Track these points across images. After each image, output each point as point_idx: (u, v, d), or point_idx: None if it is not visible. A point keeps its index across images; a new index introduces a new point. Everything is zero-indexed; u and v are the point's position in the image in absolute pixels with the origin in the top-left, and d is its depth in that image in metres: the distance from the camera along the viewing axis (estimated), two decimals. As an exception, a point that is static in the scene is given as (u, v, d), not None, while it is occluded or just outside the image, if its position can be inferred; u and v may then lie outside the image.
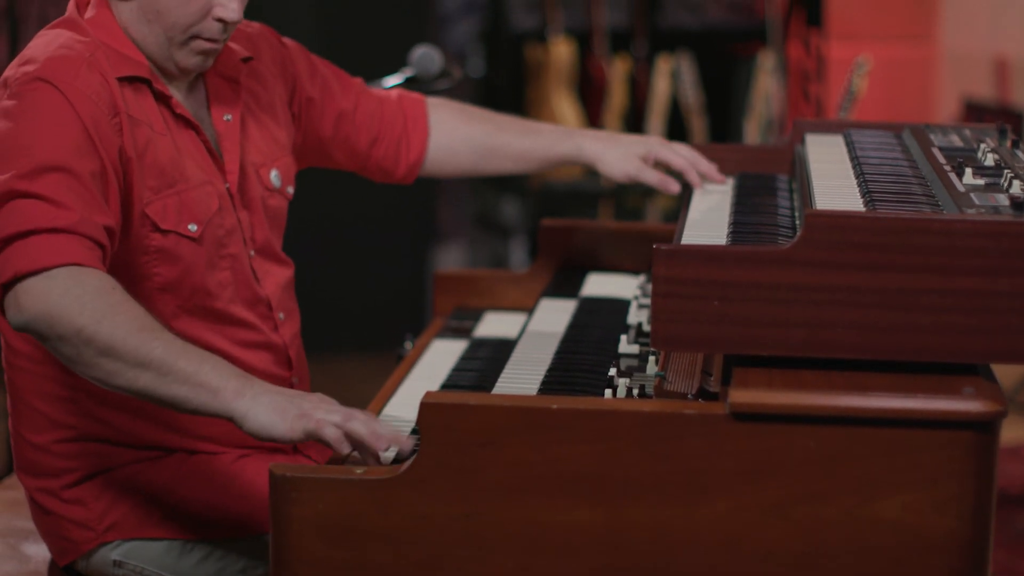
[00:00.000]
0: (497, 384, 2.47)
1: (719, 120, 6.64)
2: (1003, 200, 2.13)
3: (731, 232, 2.32)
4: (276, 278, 2.56)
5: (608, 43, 6.70)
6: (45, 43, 2.35)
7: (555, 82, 6.57)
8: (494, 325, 2.96)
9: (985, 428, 1.94)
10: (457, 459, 1.99)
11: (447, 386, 2.59)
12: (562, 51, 6.58)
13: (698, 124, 6.30)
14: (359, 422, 2.09)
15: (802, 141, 2.83)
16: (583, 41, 6.68)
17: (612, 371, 2.36)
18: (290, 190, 2.63)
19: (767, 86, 6.30)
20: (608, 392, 2.29)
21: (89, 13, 2.42)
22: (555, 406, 1.99)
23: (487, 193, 6.77)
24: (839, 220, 2.00)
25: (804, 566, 1.98)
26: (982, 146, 2.48)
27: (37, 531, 2.51)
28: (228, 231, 2.46)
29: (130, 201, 2.34)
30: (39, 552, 2.55)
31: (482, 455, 1.99)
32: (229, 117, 2.51)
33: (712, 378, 2.12)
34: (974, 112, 5.99)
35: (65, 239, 2.17)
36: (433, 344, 2.86)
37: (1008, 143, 2.54)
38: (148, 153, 2.36)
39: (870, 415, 1.95)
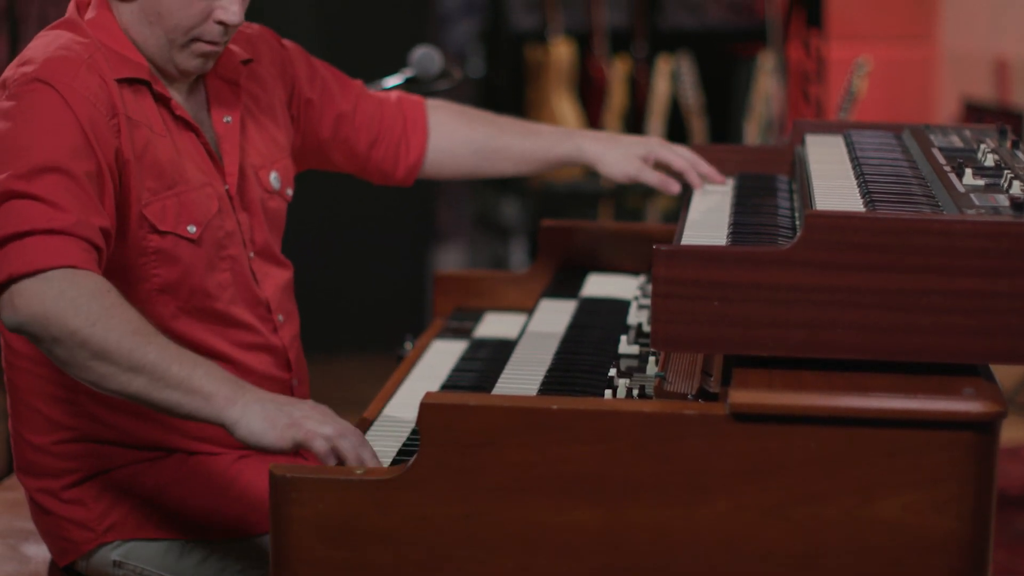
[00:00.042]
0: (497, 385, 2.47)
1: (719, 121, 6.65)
2: (1003, 201, 2.13)
3: (731, 233, 2.32)
4: (275, 280, 2.56)
5: (608, 44, 6.71)
6: (44, 44, 2.35)
7: (555, 83, 6.57)
8: (494, 326, 2.96)
9: (985, 429, 1.94)
10: (457, 460, 1.99)
11: (447, 387, 2.59)
12: (562, 51, 6.58)
13: (698, 125, 6.30)
14: (348, 443, 2.08)
15: (802, 142, 2.83)
16: (583, 42, 6.68)
17: (612, 372, 2.36)
18: (289, 192, 2.63)
19: (767, 87, 6.31)
20: (608, 393, 2.29)
21: (89, 14, 2.42)
22: (555, 407, 1.99)
23: (487, 194, 6.77)
24: (839, 221, 2.00)
25: (804, 567, 1.98)
26: (982, 147, 2.48)
27: (37, 532, 2.51)
28: (228, 233, 2.46)
29: (128, 202, 2.33)
30: (39, 552, 2.55)
31: (482, 456, 1.99)
32: (229, 119, 2.51)
33: (712, 379, 2.12)
34: (974, 113, 5.99)
35: (61, 241, 2.17)
36: (433, 345, 2.86)
37: (1008, 144, 2.54)
38: (147, 154, 2.36)
39: (870, 416, 1.95)
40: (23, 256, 2.15)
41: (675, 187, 2.83)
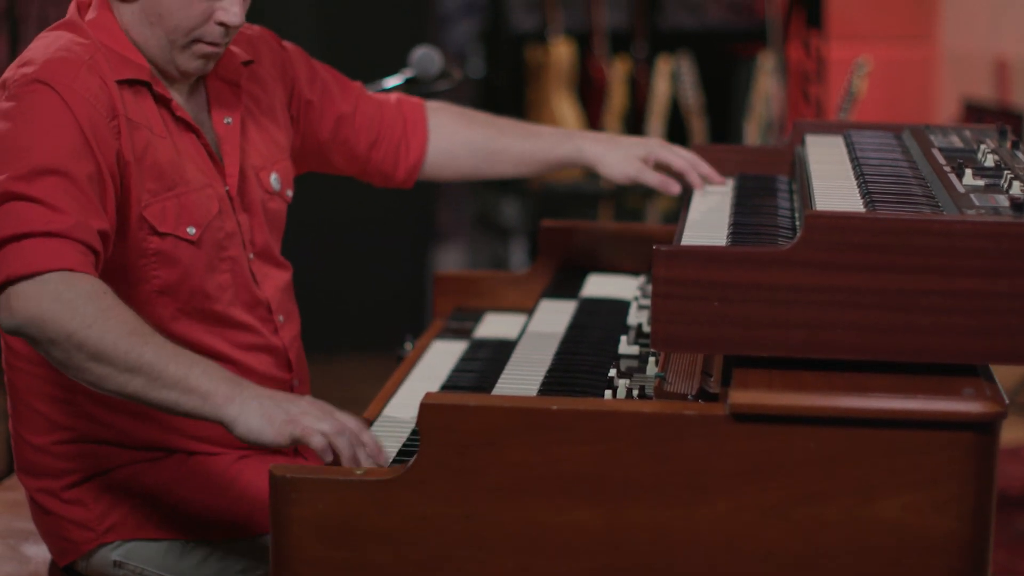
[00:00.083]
0: (497, 385, 2.47)
1: (719, 121, 6.65)
2: (1003, 201, 2.13)
3: (731, 233, 2.32)
4: (275, 281, 2.56)
5: (608, 44, 6.71)
6: (45, 45, 2.35)
7: (555, 83, 6.57)
8: (494, 326, 2.96)
9: (985, 429, 1.94)
10: (457, 460, 1.99)
11: (447, 387, 2.59)
12: (562, 52, 6.58)
13: (698, 125, 6.30)
14: (344, 440, 2.08)
15: (802, 142, 2.83)
16: (583, 42, 6.68)
17: (612, 372, 2.36)
18: (289, 193, 2.63)
19: (767, 87, 6.31)
20: (608, 393, 2.29)
21: (90, 15, 2.42)
22: (555, 407, 1.99)
23: (487, 194, 6.77)
24: (839, 221, 2.00)
25: (804, 567, 1.98)
26: (982, 147, 2.48)
27: (37, 532, 2.52)
28: (228, 234, 2.46)
29: (128, 204, 2.33)
30: (39, 553, 2.55)
31: (482, 456, 1.99)
32: (229, 120, 2.51)
33: (712, 379, 2.12)
34: (974, 113, 5.99)
35: (59, 243, 2.17)
36: (433, 345, 2.86)
37: (1008, 144, 2.54)
38: (147, 156, 2.36)
39: (870, 416, 1.95)
40: (20, 258, 2.15)
41: (675, 188, 2.83)
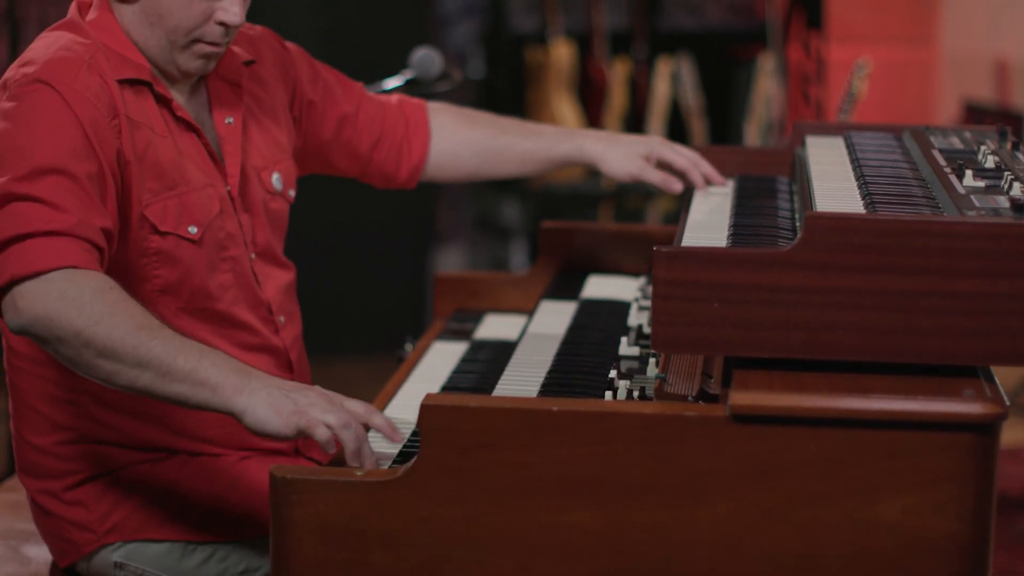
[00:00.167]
0: (497, 386, 2.47)
1: (719, 122, 6.65)
2: (1003, 202, 2.13)
3: (731, 234, 2.32)
4: (277, 281, 2.56)
5: (608, 45, 6.71)
6: (46, 45, 2.35)
7: (555, 84, 6.58)
8: (494, 327, 2.96)
9: (985, 430, 1.94)
10: (457, 461, 1.99)
11: (447, 388, 2.59)
12: (562, 53, 6.58)
13: (698, 126, 6.31)
14: (351, 435, 2.08)
15: (802, 143, 2.83)
16: (583, 43, 6.68)
17: (612, 373, 2.36)
18: (291, 193, 2.63)
19: (767, 88, 6.31)
20: (608, 394, 2.29)
21: (91, 15, 2.42)
22: (555, 408, 1.99)
23: (487, 195, 6.77)
24: (839, 222, 2.00)
25: (804, 568, 1.98)
26: (982, 148, 2.48)
27: (38, 533, 2.52)
28: (229, 234, 2.46)
29: (129, 203, 2.34)
30: (40, 554, 2.55)
31: (482, 457, 1.99)
32: (231, 120, 2.51)
33: (712, 380, 2.12)
34: (974, 114, 6.00)
35: (62, 242, 2.17)
36: (433, 346, 2.86)
37: (1008, 145, 2.54)
38: (148, 155, 2.36)
39: (870, 417, 1.95)
40: (24, 258, 2.15)
41: (677, 186, 2.83)
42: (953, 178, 2.29)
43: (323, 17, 6.09)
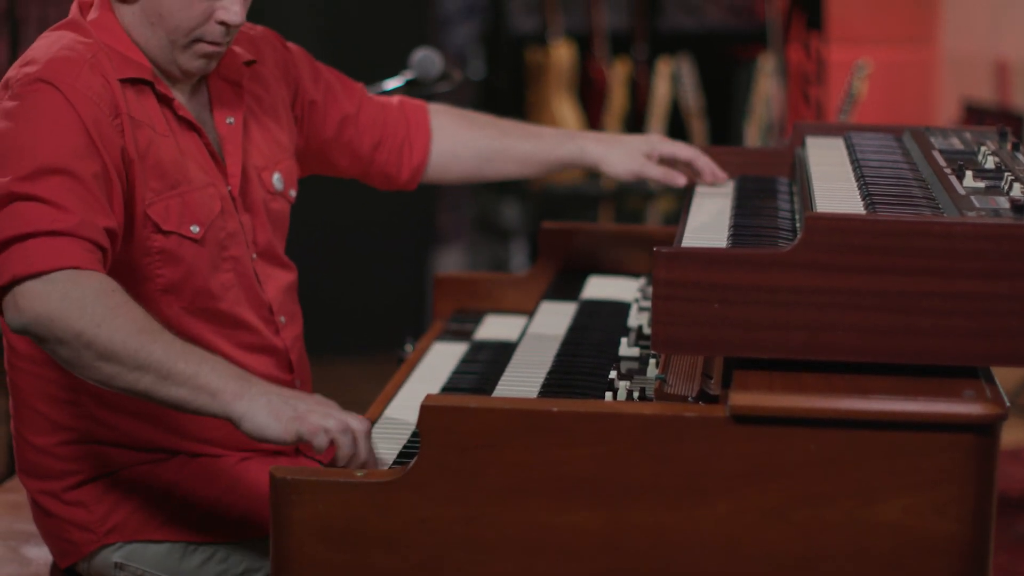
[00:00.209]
0: (497, 387, 2.47)
1: (719, 123, 6.65)
2: (1003, 203, 2.13)
3: (731, 235, 2.32)
4: (278, 282, 2.56)
5: (608, 46, 6.71)
6: (47, 44, 2.36)
7: (555, 85, 6.58)
8: (494, 328, 2.96)
9: (986, 431, 1.94)
10: (457, 462, 1.99)
11: (447, 389, 2.59)
12: (562, 54, 6.58)
13: (698, 127, 6.31)
14: (347, 439, 2.09)
15: (802, 144, 2.84)
16: (583, 44, 6.68)
17: (612, 374, 2.37)
18: (292, 193, 2.63)
19: (767, 89, 6.31)
20: (608, 395, 2.29)
21: (92, 15, 2.42)
22: (555, 409, 1.99)
23: (487, 196, 6.77)
24: (839, 223, 2.00)
25: (804, 569, 1.98)
26: (982, 149, 2.48)
27: (38, 533, 2.51)
28: (230, 234, 2.46)
29: (132, 202, 2.34)
30: (40, 554, 2.55)
31: (482, 458, 1.99)
32: (231, 120, 2.51)
33: (712, 381, 2.12)
34: (974, 115, 6.00)
35: (64, 242, 2.17)
36: (433, 347, 2.86)
37: (1008, 146, 2.54)
38: (150, 154, 2.36)
39: (870, 418, 1.95)
40: (26, 258, 2.15)
41: (680, 180, 2.83)
42: (953, 179, 2.29)
43: (323, 17, 6.09)
